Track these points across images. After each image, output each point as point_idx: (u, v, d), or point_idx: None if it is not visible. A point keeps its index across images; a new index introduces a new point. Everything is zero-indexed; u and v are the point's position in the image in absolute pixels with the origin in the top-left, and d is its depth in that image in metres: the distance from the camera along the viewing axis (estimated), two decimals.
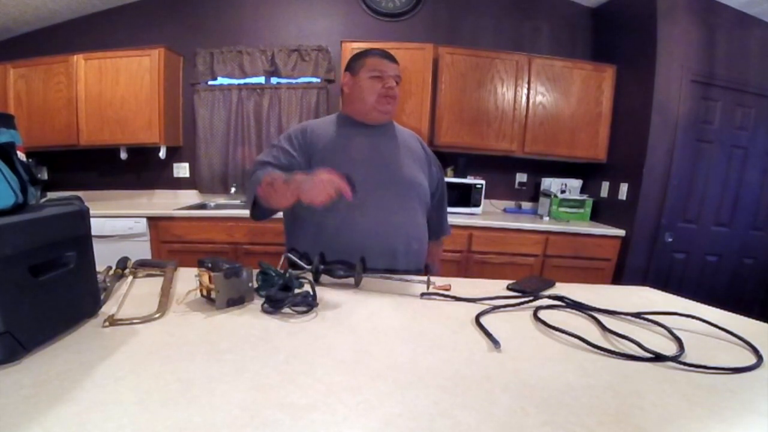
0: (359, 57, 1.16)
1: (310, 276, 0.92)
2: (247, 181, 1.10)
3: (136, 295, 0.81)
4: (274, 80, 2.93)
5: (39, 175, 2.90)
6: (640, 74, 2.50)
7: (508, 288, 0.97)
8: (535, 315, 0.78)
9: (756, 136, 2.57)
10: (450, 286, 0.92)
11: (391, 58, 1.15)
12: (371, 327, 0.70)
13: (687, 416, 0.47)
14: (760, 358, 0.63)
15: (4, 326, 0.49)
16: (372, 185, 1.10)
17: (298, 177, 0.89)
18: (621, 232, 2.53)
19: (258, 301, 0.78)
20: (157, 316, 0.68)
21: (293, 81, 2.92)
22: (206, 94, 2.91)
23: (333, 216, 1.08)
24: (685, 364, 0.60)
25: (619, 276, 2.56)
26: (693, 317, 0.79)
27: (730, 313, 0.88)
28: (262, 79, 2.91)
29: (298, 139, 1.14)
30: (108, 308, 0.71)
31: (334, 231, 1.09)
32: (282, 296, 0.74)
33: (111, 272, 0.91)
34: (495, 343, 0.64)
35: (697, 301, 0.96)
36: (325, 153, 1.12)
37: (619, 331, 0.71)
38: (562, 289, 0.99)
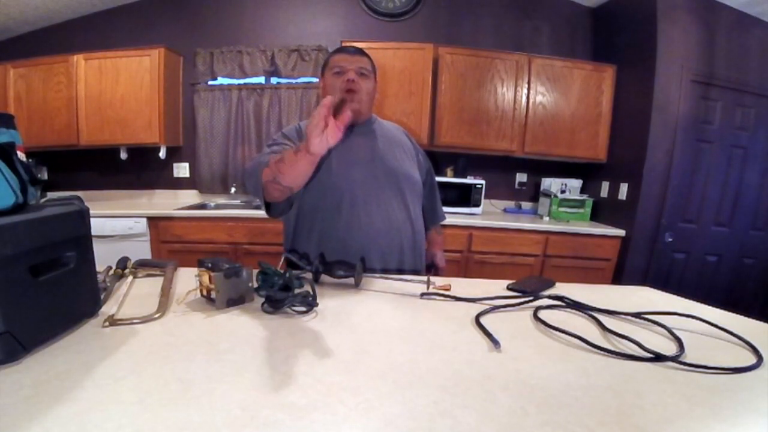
0: (327, 59, 1.15)
1: (310, 276, 0.92)
2: (247, 176, 1.04)
3: (136, 295, 0.81)
4: (274, 80, 2.93)
5: (39, 175, 2.90)
6: (640, 74, 2.50)
7: (508, 288, 0.97)
8: (535, 315, 0.78)
9: (756, 136, 2.57)
10: (450, 286, 0.92)
11: (353, 52, 1.12)
12: (371, 327, 0.70)
13: (687, 416, 0.47)
14: (760, 358, 0.63)
15: (4, 326, 0.49)
16: (373, 184, 1.10)
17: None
18: (621, 232, 2.53)
19: (258, 301, 0.78)
20: (157, 316, 0.68)
21: (293, 81, 2.92)
22: (206, 94, 2.91)
23: (338, 219, 1.08)
24: (685, 364, 0.60)
25: (619, 276, 2.56)
26: (693, 317, 0.79)
27: (730, 313, 0.88)
28: (262, 79, 2.91)
29: (294, 136, 1.12)
30: (108, 308, 0.71)
31: (342, 234, 1.08)
32: (282, 296, 0.74)
33: (111, 272, 0.91)
34: (495, 343, 0.64)
35: (697, 301, 0.96)
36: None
37: (619, 331, 0.70)
38: (562, 289, 0.99)
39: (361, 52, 1.13)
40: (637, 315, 0.80)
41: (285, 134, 1.13)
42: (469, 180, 2.76)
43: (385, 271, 1.08)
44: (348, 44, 1.14)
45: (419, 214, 1.21)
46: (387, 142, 1.19)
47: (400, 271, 1.13)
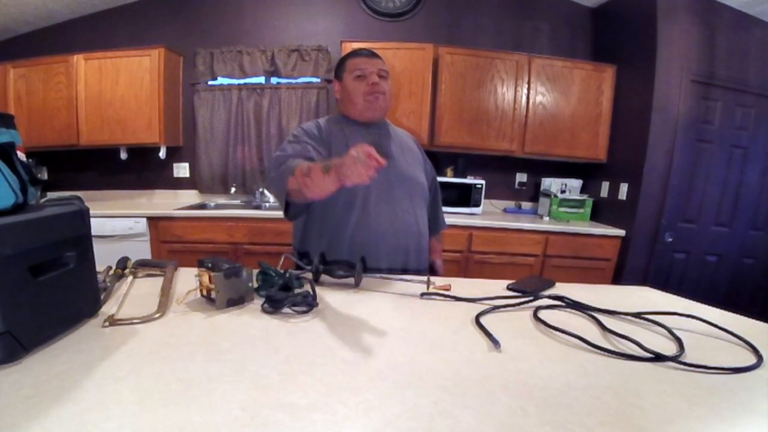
0: (341, 62, 1.19)
1: (310, 276, 0.92)
2: (271, 179, 1.05)
3: (136, 295, 0.81)
4: (274, 80, 2.93)
5: (39, 175, 2.90)
6: (640, 74, 2.50)
7: (508, 288, 0.97)
8: (535, 315, 0.78)
9: (756, 136, 2.56)
10: (450, 286, 0.92)
11: (371, 55, 1.16)
12: (371, 327, 0.70)
13: (687, 416, 0.47)
14: (760, 358, 0.63)
15: (4, 326, 0.49)
16: (385, 185, 1.12)
17: (335, 161, 0.80)
18: (621, 232, 2.53)
19: (258, 301, 0.78)
20: (157, 316, 0.68)
21: (293, 81, 2.92)
22: (206, 94, 2.90)
23: (349, 217, 1.10)
24: (685, 364, 0.60)
25: (619, 276, 2.56)
26: (693, 317, 0.79)
27: (730, 313, 0.88)
28: (262, 79, 2.91)
29: (315, 134, 1.14)
30: (108, 308, 0.71)
31: (352, 231, 1.10)
32: (282, 296, 0.74)
33: (111, 272, 0.91)
34: (495, 343, 0.64)
35: (697, 301, 0.96)
36: (338, 153, 1.11)
37: (619, 331, 0.71)
38: (562, 289, 0.99)
39: (376, 54, 1.17)
40: (637, 315, 0.80)
41: (306, 131, 1.14)
42: (469, 180, 2.76)
43: (390, 270, 1.09)
44: (361, 47, 1.18)
45: (425, 218, 1.23)
46: (399, 147, 1.21)
47: (404, 272, 1.13)
